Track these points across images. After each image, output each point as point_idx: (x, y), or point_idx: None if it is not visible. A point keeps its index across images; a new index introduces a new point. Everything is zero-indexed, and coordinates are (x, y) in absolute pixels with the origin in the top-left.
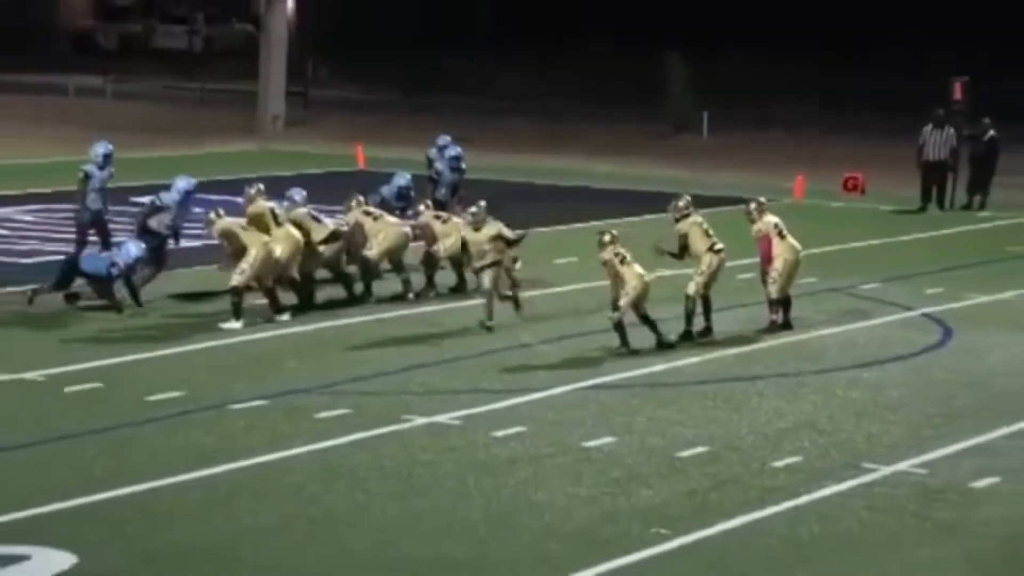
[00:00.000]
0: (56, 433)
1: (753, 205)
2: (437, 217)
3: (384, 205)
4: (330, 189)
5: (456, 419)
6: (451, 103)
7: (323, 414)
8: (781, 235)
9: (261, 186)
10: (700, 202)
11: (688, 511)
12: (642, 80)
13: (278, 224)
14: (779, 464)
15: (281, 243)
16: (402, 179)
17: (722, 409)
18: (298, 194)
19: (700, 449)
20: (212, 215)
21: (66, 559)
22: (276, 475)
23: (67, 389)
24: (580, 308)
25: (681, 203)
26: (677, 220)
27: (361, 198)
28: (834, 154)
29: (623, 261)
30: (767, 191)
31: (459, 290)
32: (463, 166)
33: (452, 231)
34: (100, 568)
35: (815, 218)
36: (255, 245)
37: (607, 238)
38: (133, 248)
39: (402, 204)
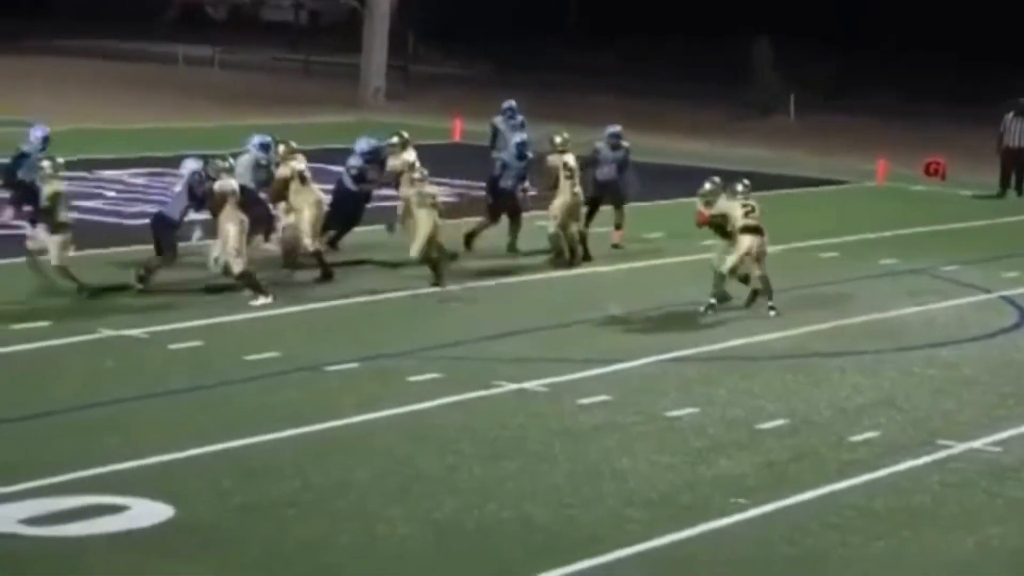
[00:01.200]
0: (158, 388)
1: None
2: (566, 166)
3: (507, 169)
4: (428, 160)
5: (544, 386)
6: (542, 81)
7: (414, 377)
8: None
9: (293, 143)
10: (786, 183)
11: (766, 482)
12: (730, 64)
13: (304, 184)
14: (857, 439)
15: (307, 208)
16: (518, 137)
17: (802, 384)
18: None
19: (779, 422)
20: (222, 163)
21: (164, 510)
22: (368, 435)
23: (170, 346)
24: (667, 282)
25: (708, 185)
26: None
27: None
28: (913, 139)
29: (421, 204)
30: (850, 174)
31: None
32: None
33: (567, 190)
34: (196, 520)
35: (897, 201)
36: (229, 221)
37: (417, 175)
38: (191, 162)
39: (523, 164)
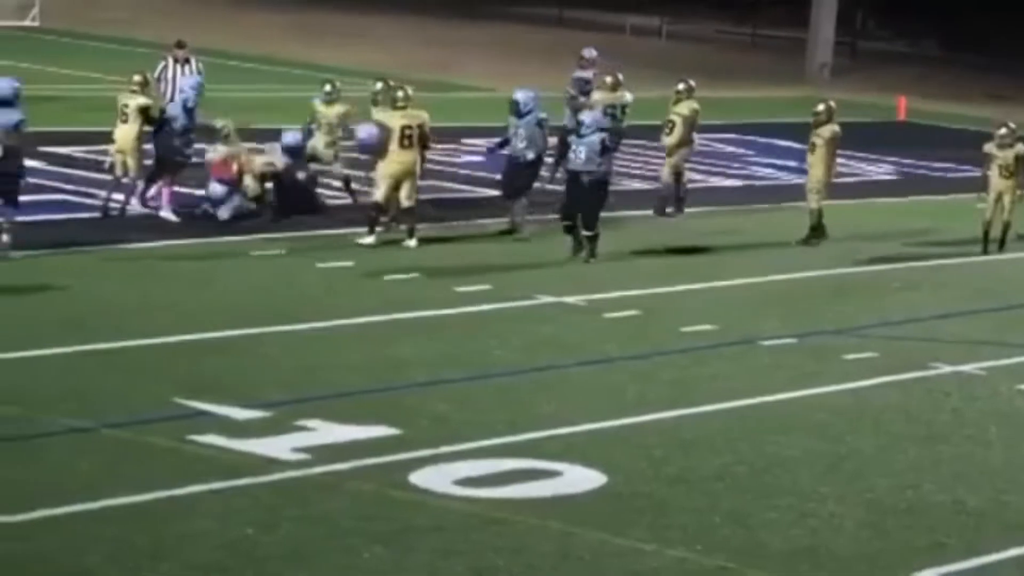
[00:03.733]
0: (593, 356)
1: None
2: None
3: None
4: (868, 139)
5: (982, 369)
6: (989, 64)
7: (851, 356)
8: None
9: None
10: None
11: None
12: None
13: None
14: None
15: None
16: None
17: None
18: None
19: None
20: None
21: (596, 478)
22: (802, 411)
23: (606, 315)
24: None
25: None
26: None
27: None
28: None
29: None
30: None
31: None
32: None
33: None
34: (627, 488)
35: None
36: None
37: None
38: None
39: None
